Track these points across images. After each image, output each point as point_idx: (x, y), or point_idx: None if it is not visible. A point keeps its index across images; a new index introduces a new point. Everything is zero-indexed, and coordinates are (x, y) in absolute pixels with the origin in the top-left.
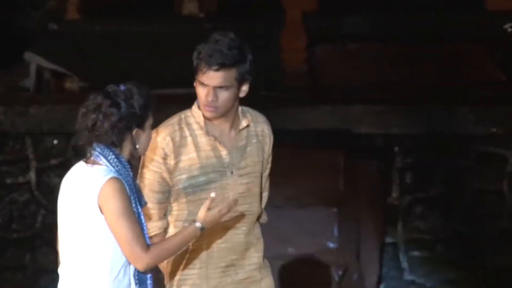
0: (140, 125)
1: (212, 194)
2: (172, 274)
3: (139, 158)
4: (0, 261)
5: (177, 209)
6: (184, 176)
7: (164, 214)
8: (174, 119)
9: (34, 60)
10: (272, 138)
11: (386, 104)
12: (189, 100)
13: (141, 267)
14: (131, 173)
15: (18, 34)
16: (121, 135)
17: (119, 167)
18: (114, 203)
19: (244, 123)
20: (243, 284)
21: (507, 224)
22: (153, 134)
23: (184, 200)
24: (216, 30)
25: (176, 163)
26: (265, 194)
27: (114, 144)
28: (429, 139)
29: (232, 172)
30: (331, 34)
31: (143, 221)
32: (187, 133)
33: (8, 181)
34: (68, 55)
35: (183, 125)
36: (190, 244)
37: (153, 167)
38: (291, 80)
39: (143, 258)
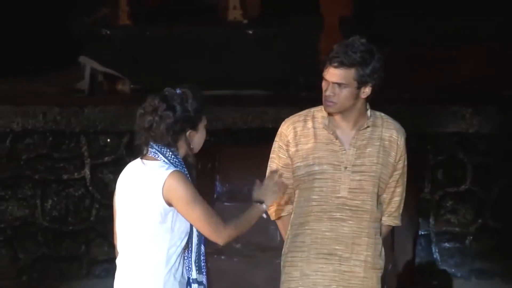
0: (194, 127)
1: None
2: (282, 255)
3: (194, 156)
4: (57, 252)
5: (296, 195)
6: (301, 164)
7: (291, 200)
8: (304, 111)
9: (88, 63)
10: (402, 145)
11: (418, 104)
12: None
13: (223, 241)
14: (186, 171)
15: (72, 39)
16: (176, 136)
17: (177, 163)
18: (183, 192)
19: (365, 124)
20: (345, 276)
21: None
22: (282, 123)
23: (301, 187)
24: (258, 35)
25: (296, 151)
26: (396, 200)
27: (169, 144)
28: (459, 137)
29: (345, 168)
30: (366, 38)
31: None
32: (310, 125)
33: (64, 177)
34: (120, 58)
35: (309, 118)
36: (296, 228)
37: (280, 153)
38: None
39: (224, 232)
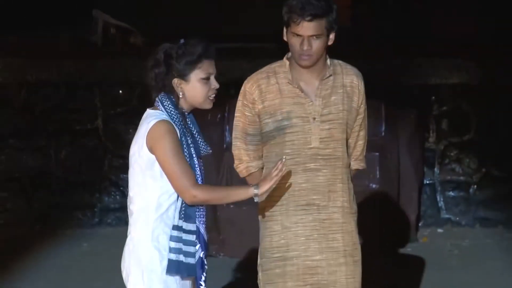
0: (182, 76)
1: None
2: (262, 210)
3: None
4: (71, 201)
5: (266, 151)
6: (270, 120)
7: (259, 156)
8: (264, 68)
9: (101, 17)
10: (362, 89)
11: (424, 57)
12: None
13: (188, 199)
14: (185, 120)
15: None
16: (164, 83)
17: (172, 112)
18: (163, 143)
19: (327, 73)
20: (325, 224)
21: None
22: (245, 81)
23: (271, 142)
24: None
25: (263, 108)
26: (361, 143)
27: (164, 91)
28: (463, 89)
29: (314, 119)
30: None
31: (196, 165)
32: (273, 81)
33: (78, 127)
34: (132, 12)
35: (271, 74)
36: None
37: (245, 111)
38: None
39: (190, 191)
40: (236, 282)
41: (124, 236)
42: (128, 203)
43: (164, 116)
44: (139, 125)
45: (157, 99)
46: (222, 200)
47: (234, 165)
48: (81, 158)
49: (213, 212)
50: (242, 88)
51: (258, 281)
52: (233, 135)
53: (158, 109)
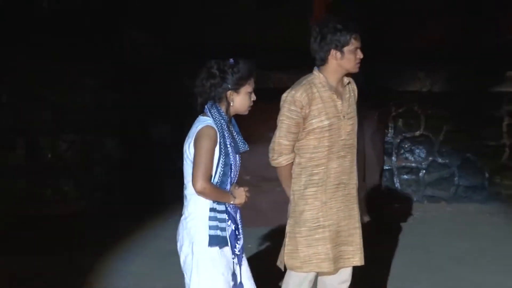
0: (235, 89)
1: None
2: (297, 190)
3: (230, 113)
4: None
5: (302, 144)
6: (314, 121)
7: (293, 150)
8: (304, 81)
9: (127, 31)
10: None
11: (386, 69)
12: None
13: (198, 187)
14: (225, 125)
15: (112, 8)
16: (217, 94)
17: (217, 118)
18: (202, 142)
19: (346, 80)
20: (347, 198)
21: (470, 155)
22: (292, 92)
23: (310, 137)
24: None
25: (310, 111)
26: None
27: (214, 99)
28: (415, 94)
29: (344, 116)
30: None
31: (232, 161)
32: (315, 90)
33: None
34: (156, 23)
35: (312, 85)
36: (311, 169)
37: (291, 115)
38: None
39: (203, 182)
40: (272, 248)
41: (176, 214)
42: (184, 189)
43: (210, 121)
44: (192, 127)
45: (206, 106)
46: (216, 199)
47: (272, 158)
48: (126, 154)
49: None
50: (290, 97)
51: (284, 245)
52: (277, 134)
53: (207, 115)
